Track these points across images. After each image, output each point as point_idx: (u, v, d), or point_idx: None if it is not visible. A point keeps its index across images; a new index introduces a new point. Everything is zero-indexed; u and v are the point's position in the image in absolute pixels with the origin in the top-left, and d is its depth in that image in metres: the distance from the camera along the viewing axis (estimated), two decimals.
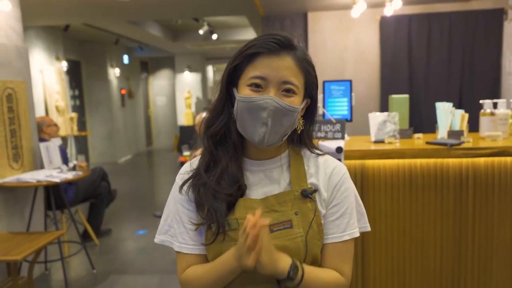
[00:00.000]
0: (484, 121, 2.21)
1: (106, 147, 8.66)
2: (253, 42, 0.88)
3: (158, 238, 0.98)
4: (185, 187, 0.94)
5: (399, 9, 3.63)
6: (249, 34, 8.13)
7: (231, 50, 10.73)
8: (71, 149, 6.99)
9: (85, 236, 3.83)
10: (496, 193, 2.10)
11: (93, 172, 3.81)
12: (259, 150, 0.93)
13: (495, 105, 2.24)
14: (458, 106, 4.09)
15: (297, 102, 0.89)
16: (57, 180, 2.96)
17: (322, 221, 0.93)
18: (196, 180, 0.92)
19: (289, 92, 0.88)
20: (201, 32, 7.38)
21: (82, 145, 7.93)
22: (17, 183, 2.90)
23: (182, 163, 4.30)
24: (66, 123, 6.38)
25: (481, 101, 2.25)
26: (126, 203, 5.30)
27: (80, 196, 3.70)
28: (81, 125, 7.98)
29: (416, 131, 2.44)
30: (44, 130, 3.55)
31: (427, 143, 2.14)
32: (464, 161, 2.10)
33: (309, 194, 0.91)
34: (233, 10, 5.69)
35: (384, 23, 4.18)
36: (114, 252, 3.74)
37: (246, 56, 0.88)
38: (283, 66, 0.87)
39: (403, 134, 2.35)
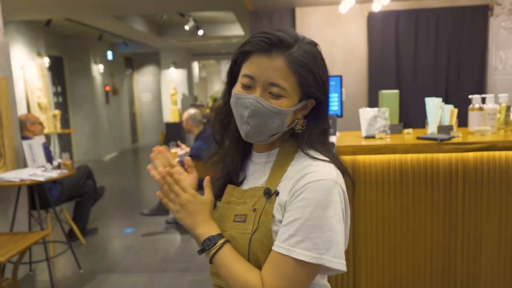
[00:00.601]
0: (473, 116, 2.23)
1: (90, 145, 8.51)
2: (249, 39, 0.88)
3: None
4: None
5: (386, 5, 3.64)
6: (236, 30, 8.07)
7: (217, 46, 10.66)
8: (55, 147, 6.85)
9: (70, 236, 3.75)
10: (485, 187, 2.13)
11: (78, 170, 3.73)
12: (256, 144, 0.96)
13: (483, 100, 2.26)
14: (444, 101, 4.14)
15: (285, 105, 0.86)
16: (41, 179, 2.88)
17: (275, 227, 0.85)
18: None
19: (275, 95, 0.86)
20: (187, 27, 7.29)
21: (65, 143, 7.77)
22: None
23: None
24: (49, 121, 6.24)
25: (470, 96, 2.27)
26: (112, 201, 5.22)
27: (65, 195, 3.62)
28: (65, 122, 7.82)
29: (405, 126, 2.45)
30: (28, 128, 3.46)
31: (418, 138, 2.15)
32: (454, 156, 2.12)
33: (266, 193, 0.87)
34: (221, 5, 5.63)
35: (372, 19, 4.19)
36: (101, 251, 3.67)
37: (241, 53, 0.89)
38: (271, 67, 0.84)
39: (393, 130, 2.36)
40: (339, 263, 0.80)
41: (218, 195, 0.97)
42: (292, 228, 0.81)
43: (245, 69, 0.88)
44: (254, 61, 0.86)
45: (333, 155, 0.89)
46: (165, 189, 0.90)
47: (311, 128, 0.90)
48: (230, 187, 0.96)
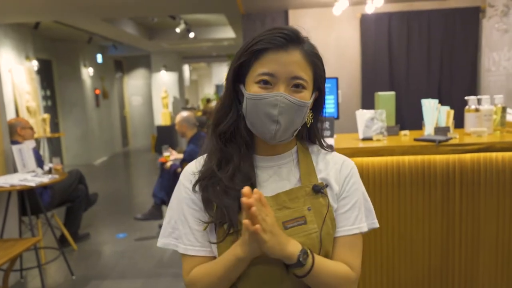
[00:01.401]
0: (469, 117, 2.23)
1: (80, 149, 8.40)
2: (260, 38, 0.86)
3: (160, 242, 0.95)
4: (191, 187, 0.92)
5: (379, 7, 3.66)
6: (228, 33, 8.04)
7: (208, 49, 10.63)
8: (44, 152, 6.74)
9: (62, 241, 3.67)
10: (482, 189, 2.13)
11: (70, 175, 3.67)
12: (268, 146, 0.92)
13: (479, 102, 2.27)
14: None
15: (307, 97, 0.88)
16: (32, 184, 2.82)
17: (334, 216, 0.92)
18: (209, 179, 0.90)
19: (298, 87, 0.86)
20: (178, 30, 7.26)
21: (55, 147, 7.66)
22: None
23: (162, 164, 4.20)
24: (38, 125, 6.14)
25: (466, 98, 2.27)
26: (104, 206, 5.14)
27: (56, 200, 3.55)
28: (54, 126, 7.71)
29: (400, 127, 2.45)
30: (18, 132, 3.39)
31: (415, 140, 2.15)
32: (451, 157, 2.12)
33: (320, 189, 0.90)
34: (212, 8, 5.60)
35: (365, 21, 4.21)
36: (93, 257, 3.61)
37: (252, 52, 0.86)
38: (291, 61, 0.85)
39: (390, 131, 2.35)
40: (377, 222, 0.99)
41: (238, 210, 0.87)
42: (356, 210, 0.93)
43: (261, 68, 0.85)
44: (270, 58, 0.85)
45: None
46: (257, 217, 0.78)
47: (316, 120, 0.96)
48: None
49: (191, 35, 7.73)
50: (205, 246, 0.90)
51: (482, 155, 2.10)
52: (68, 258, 3.30)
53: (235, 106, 0.91)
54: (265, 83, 0.85)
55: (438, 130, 2.21)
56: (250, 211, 0.76)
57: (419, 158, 2.13)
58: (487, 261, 2.18)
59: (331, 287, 0.88)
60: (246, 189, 0.77)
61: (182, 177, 0.95)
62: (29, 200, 3.05)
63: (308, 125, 0.94)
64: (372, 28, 4.20)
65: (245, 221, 0.76)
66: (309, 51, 0.89)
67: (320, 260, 0.86)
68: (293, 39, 0.86)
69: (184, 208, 0.92)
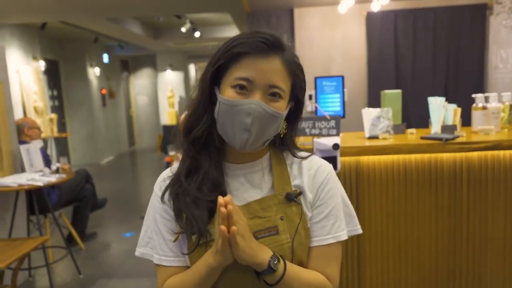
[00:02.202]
0: (476, 115, 2.22)
1: (87, 149, 8.45)
2: (239, 40, 0.82)
3: (138, 251, 0.93)
4: (166, 196, 0.89)
5: (385, 4, 3.64)
6: (233, 32, 8.05)
7: (213, 48, 10.60)
8: (52, 151, 6.79)
9: (69, 241, 3.70)
10: (489, 187, 2.11)
11: (77, 175, 3.69)
12: (239, 153, 0.87)
13: (486, 99, 2.25)
14: None
15: (282, 107, 0.84)
16: (40, 183, 2.84)
17: (309, 225, 0.88)
18: (176, 188, 0.86)
19: (275, 96, 0.82)
20: (183, 29, 7.27)
21: (62, 147, 7.71)
22: None
23: (168, 163, 4.22)
24: (45, 125, 6.18)
25: (473, 95, 2.25)
26: (111, 205, 5.16)
27: (64, 200, 3.58)
28: (61, 126, 7.76)
29: (406, 126, 2.43)
30: (25, 132, 3.41)
31: (422, 138, 2.13)
32: (458, 155, 2.10)
33: (294, 197, 0.86)
34: (218, 7, 5.61)
35: (370, 19, 4.19)
36: (100, 256, 3.63)
37: (231, 55, 0.82)
38: (270, 69, 0.81)
39: (396, 130, 2.34)
40: (359, 228, 0.94)
41: (207, 220, 0.84)
42: (332, 218, 0.88)
43: (238, 72, 0.81)
44: (249, 63, 0.81)
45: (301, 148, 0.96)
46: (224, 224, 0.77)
47: (290, 131, 0.91)
48: None
49: (197, 34, 7.73)
50: (179, 256, 0.88)
51: (489, 153, 2.08)
52: (76, 257, 3.33)
53: (209, 110, 0.86)
54: (241, 88, 0.81)
55: (445, 128, 2.19)
56: (227, 210, 0.74)
57: (425, 156, 2.12)
58: (495, 259, 2.16)
59: None
60: (221, 199, 0.75)
61: (155, 185, 0.93)
62: (37, 200, 3.07)
63: (282, 135, 0.90)
64: (378, 26, 4.18)
65: (222, 227, 0.74)
66: (290, 60, 0.85)
67: (293, 268, 0.83)
68: (275, 46, 0.82)
69: (157, 218, 0.89)
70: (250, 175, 0.89)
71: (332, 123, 2.10)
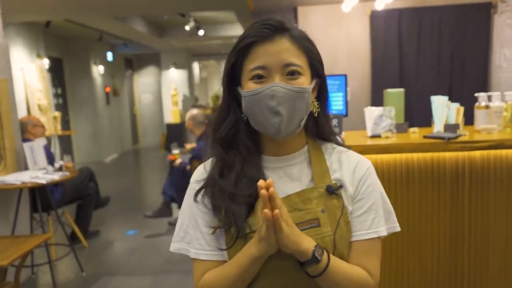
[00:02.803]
0: (479, 114, 2.20)
1: (91, 147, 8.49)
2: (244, 34, 0.84)
3: (173, 247, 0.93)
4: (199, 195, 0.89)
5: (389, 3, 3.62)
6: (237, 30, 8.04)
7: (218, 47, 10.64)
8: (55, 149, 6.83)
9: (73, 238, 3.72)
10: (491, 186, 2.10)
11: (80, 173, 3.71)
12: (277, 146, 0.89)
13: (489, 98, 2.23)
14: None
15: (305, 82, 0.84)
16: (43, 181, 2.86)
17: (350, 219, 0.88)
18: (211, 188, 0.87)
19: (294, 74, 0.83)
20: (187, 28, 7.27)
21: (66, 144, 7.75)
22: (0, 185, 2.78)
23: (171, 162, 4.23)
24: (49, 122, 6.22)
25: (476, 94, 2.24)
26: (114, 203, 5.18)
27: (67, 197, 3.60)
28: (65, 124, 7.80)
29: (409, 125, 2.43)
30: (29, 130, 3.43)
31: (425, 137, 2.13)
32: (461, 154, 2.09)
33: (334, 190, 0.86)
34: (222, 5, 5.61)
35: (375, 17, 4.17)
36: (103, 254, 3.65)
37: (240, 50, 0.83)
38: (281, 49, 0.82)
39: (399, 129, 2.33)
40: (398, 226, 0.93)
41: (247, 214, 0.85)
42: (372, 212, 0.88)
43: (251, 63, 0.83)
44: (258, 51, 0.82)
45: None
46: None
47: (323, 109, 0.91)
48: None
49: (201, 32, 7.74)
50: (216, 250, 0.87)
51: (492, 152, 2.07)
52: (79, 255, 3.35)
53: (233, 110, 0.88)
54: (259, 78, 0.82)
55: (448, 127, 2.18)
56: (269, 192, 0.74)
57: (428, 155, 2.11)
58: (497, 259, 2.15)
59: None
60: (261, 182, 0.75)
61: (192, 180, 0.93)
62: (40, 197, 3.09)
63: (316, 114, 0.89)
64: (382, 25, 4.16)
65: (265, 210, 0.74)
66: (298, 36, 0.85)
67: (336, 260, 0.83)
68: (279, 28, 0.83)
69: (195, 212, 0.89)
70: (289, 168, 0.89)
71: (335, 121, 2.10)
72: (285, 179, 0.88)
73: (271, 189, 0.74)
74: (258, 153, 0.90)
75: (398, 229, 0.93)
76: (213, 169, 0.89)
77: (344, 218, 0.85)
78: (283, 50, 0.82)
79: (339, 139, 0.96)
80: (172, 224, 4.21)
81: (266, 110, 0.81)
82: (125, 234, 4.11)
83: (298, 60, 0.83)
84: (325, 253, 0.81)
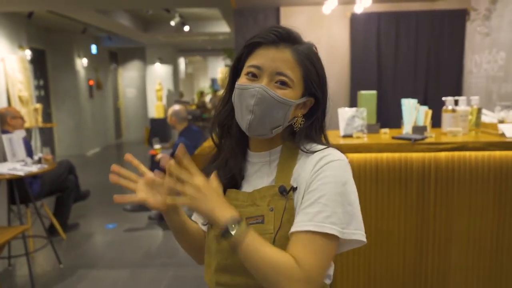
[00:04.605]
0: (446, 117, 2.31)
1: (73, 140, 8.42)
2: (256, 34, 0.91)
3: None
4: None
5: (368, 6, 3.71)
6: (222, 27, 8.07)
7: (203, 43, 10.64)
8: (36, 141, 6.76)
9: (51, 231, 3.73)
10: (455, 186, 2.21)
11: (60, 165, 3.71)
12: (256, 142, 0.95)
13: (456, 102, 2.35)
14: (423, 102, 4.23)
15: (290, 95, 0.87)
16: (21, 173, 2.87)
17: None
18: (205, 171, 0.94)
19: (283, 84, 0.87)
20: (172, 23, 7.27)
21: (47, 137, 7.67)
22: None
23: (153, 156, 4.26)
24: (30, 114, 6.16)
25: (443, 98, 2.35)
26: (95, 197, 5.18)
27: (46, 190, 3.60)
28: (47, 116, 7.71)
29: (383, 126, 2.51)
30: (8, 121, 3.43)
31: (393, 138, 2.22)
32: (427, 155, 2.19)
33: (283, 191, 0.87)
34: (206, 2, 5.63)
35: (355, 20, 4.26)
36: (82, 247, 3.67)
37: (247, 46, 0.91)
38: (279, 58, 0.87)
39: (371, 129, 2.42)
40: (361, 235, 0.84)
41: None
42: (319, 205, 0.82)
43: (251, 61, 0.89)
44: (261, 52, 0.88)
45: (331, 145, 0.93)
46: (171, 182, 0.79)
47: (308, 127, 0.92)
48: (232, 191, 0.93)
49: (186, 28, 7.75)
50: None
51: (456, 154, 2.18)
52: (57, 247, 3.36)
53: (231, 100, 0.94)
54: (252, 75, 0.88)
55: (416, 129, 2.28)
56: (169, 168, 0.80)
57: (396, 155, 2.21)
58: (459, 254, 2.27)
59: (268, 277, 0.78)
60: (114, 166, 0.92)
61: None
62: (18, 189, 3.09)
63: (297, 129, 0.91)
64: (361, 28, 4.26)
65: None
66: (302, 53, 0.89)
67: (256, 238, 0.78)
68: (285, 38, 0.88)
69: None
70: (262, 165, 0.94)
71: None
72: (257, 174, 0.94)
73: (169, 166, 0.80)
74: (245, 148, 0.97)
75: (363, 239, 0.84)
76: (211, 156, 1.01)
77: (289, 219, 0.84)
78: (281, 59, 0.87)
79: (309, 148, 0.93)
80: (152, 219, 4.25)
81: (244, 106, 0.88)
82: (104, 228, 4.13)
83: (292, 73, 0.87)
84: (243, 228, 0.77)
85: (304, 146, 0.90)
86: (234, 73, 0.94)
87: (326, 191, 0.83)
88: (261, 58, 0.88)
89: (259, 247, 0.78)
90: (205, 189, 0.79)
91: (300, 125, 0.91)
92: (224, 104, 0.96)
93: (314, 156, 0.88)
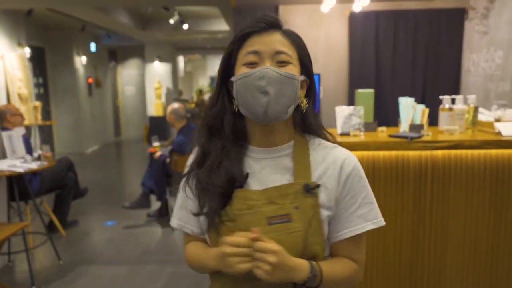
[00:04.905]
0: (442, 115, 2.33)
1: (72, 137, 8.43)
2: (243, 27, 0.91)
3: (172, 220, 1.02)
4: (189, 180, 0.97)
5: (367, 5, 3.73)
6: (221, 25, 8.08)
7: (203, 41, 10.63)
8: (35, 139, 6.77)
9: (51, 228, 3.75)
10: (452, 184, 2.23)
11: (59, 163, 3.73)
12: (264, 136, 0.92)
13: (453, 101, 2.36)
14: (421, 101, 4.25)
15: (294, 71, 0.88)
16: (20, 170, 2.88)
17: (324, 217, 0.90)
18: (191, 176, 0.95)
19: (283, 62, 0.88)
20: (171, 21, 7.28)
21: (46, 134, 7.68)
22: None
23: (151, 154, 4.27)
24: (29, 112, 6.17)
25: (440, 97, 2.36)
26: (94, 194, 5.20)
27: (45, 187, 3.62)
28: (46, 114, 7.72)
29: (382, 124, 2.53)
30: (8, 119, 3.44)
31: (390, 136, 2.24)
32: (424, 153, 2.21)
33: (311, 189, 0.87)
34: (205, 0, 5.64)
35: (353, 18, 4.28)
36: (81, 243, 3.69)
37: (237, 40, 0.90)
38: (274, 40, 0.89)
39: (368, 127, 2.44)
40: (383, 221, 0.95)
41: (222, 204, 0.89)
42: (367, 205, 0.92)
43: (246, 49, 0.88)
44: (254, 40, 0.88)
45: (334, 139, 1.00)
46: (255, 257, 0.81)
47: (311, 112, 0.95)
48: (242, 191, 0.89)
49: (185, 26, 7.75)
50: (195, 227, 0.98)
51: (452, 152, 2.20)
52: (56, 244, 3.38)
53: (221, 98, 0.93)
54: (252, 64, 0.87)
55: (413, 127, 2.30)
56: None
57: (393, 153, 2.23)
58: (455, 252, 2.29)
59: (340, 286, 0.92)
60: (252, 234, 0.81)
61: (187, 163, 1.01)
62: (18, 186, 3.11)
63: (304, 110, 0.93)
64: (360, 26, 4.28)
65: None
66: (290, 32, 0.92)
67: (328, 271, 0.87)
68: (274, 24, 0.90)
69: (185, 194, 0.98)
70: (273, 160, 0.92)
71: None
72: (267, 170, 0.91)
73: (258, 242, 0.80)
74: (244, 144, 0.93)
75: (383, 223, 0.95)
76: (195, 157, 0.95)
77: (315, 216, 0.87)
78: (275, 40, 0.88)
79: (327, 134, 0.98)
80: (151, 216, 4.27)
81: (255, 90, 0.85)
82: (103, 225, 4.15)
83: (289, 50, 0.89)
84: (318, 275, 0.85)
85: (313, 141, 0.95)
86: (224, 71, 0.92)
87: (366, 191, 0.93)
88: (256, 44, 0.88)
89: (331, 274, 0.88)
90: (282, 263, 0.80)
91: (306, 105, 0.93)
92: (212, 105, 0.94)
93: (334, 154, 0.92)
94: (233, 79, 0.89)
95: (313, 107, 0.96)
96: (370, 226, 0.92)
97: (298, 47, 0.91)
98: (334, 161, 0.91)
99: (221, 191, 0.88)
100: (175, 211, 1.01)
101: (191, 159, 0.99)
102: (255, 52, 0.87)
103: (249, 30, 0.89)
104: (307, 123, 0.94)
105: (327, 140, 0.97)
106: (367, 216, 0.91)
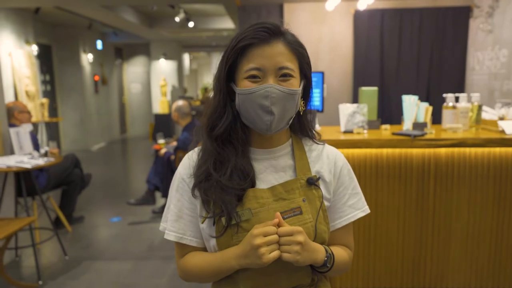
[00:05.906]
0: (446, 114, 2.33)
1: (78, 134, 8.50)
2: (243, 35, 0.89)
3: (161, 226, 1.00)
4: (188, 181, 0.96)
5: (372, 3, 3.73)
6: (227, 23, 8.09)
7: (208, 39, 10.65)
8: (42, 136, 6.84)
9: (57, 223, 3.79)
10: (455, 182, 2.24)
11: (66, 159, 3.77)
12: (264, 139, 0.96)
13: (457, 99, 2.37)
14: (426, 99, 4.25)
15: (295, 84, 0.91)
16: (28, 166, 2.92)
17: (327, 207, 0.98)
18: (205, 182, 0.92)
19: (286, 76, 0.89)
20: (177, 19, 7.30)
21: (53, 131, 7.75)
22: None
23: (156, 151, 4.31)
24: (36, 109, 6.23)
25: (444, 95, 2.37)
26: (100, 190, 5.26)
27: (52, 183, 3.66)
28: (53, 111, 7.79)
29: (386, 122, 2.55)
30: (15, 115, 3.48)
31: (393, 134, 2.25)
32: (427, 151, 2.22)
33: (314, 182, 0.95)
34: None
35: (358, 16, 4.28)
36: (87, 239, 3.73)
37: (237, 50, 0.89)
38: (276, 53, 0.89)
39: (371, 125, 2.45)
40: (368, 208, 1.05)
41: (236, 204, 0.91)
42: (355, 195, 1.02)
43: (248, 64, 0.88)
44: (255, 53, 0.88)
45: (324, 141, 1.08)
46: (281, 243, 0.86)
47: (306, 113, 0.99)
48: (252, 191, 0.92)
49: (191, 24, 7.77)
50: (196, 237, 0.96)
51: (456, 150, 2.20)
52: (62, 239, 3.42)
53: (229, 107, 0.93)
54: (254, 77, 0.88)
55: (416, 125, 2.31)
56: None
57: (396, 151, 2.24)
58: (458, 250, 2.29)
59: (340, 271, 1.00)
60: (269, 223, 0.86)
61: (180, 173, 0.99)
62: (25, 182, 3.15)
63: (301, 113, 0.96)
64: (365, 24, 4.27)
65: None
66: (292, 41, 0.91)
67: (337, 256, 0.96)
68: (275, 32, 0.89)
69: (181, 201, 0.96)
70: (274, 160, 0.96)
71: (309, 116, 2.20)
72: (270, 169, 0.96)
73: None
74: (247, 146, 0.96)
75: (368, 211, 1.05)
76: (205, 163, 0.93)
77: (322, 207, 0.95)
78: (278, 53, 0.88)
79: (316, 134, 1.03)
80: (156, 213, 4.31)
81: (259, 109, 0.88)
82: (109, 221, 4.19)
83: (291, 64, 0.90)
84: (331, 256, 0.94)
85: (306, 140, 1.02)
86: (226, 79, 0.92)
87: (354, 182, 1.03)
88: (258, 59, 0.88)
89: (338, 257, 0.97)
90: (306, 242, 0.87)
91: (303, 107, 0.97)
92: (220, 114, 0.93)
93: (326, 150, 1.02)
94: (236, 90, 0.91)
95: (308, 104, 0.99)
96: (360, 214, 1.01)
97: (300, 56, 0.92)
98: (327, 157, 1.00)
99: (240, 192, 0.90)
100: (170, 224, 0.97)
101: (187, 165, 0.98)
102: (258, 69, 0.88)
103: (249, 42, 0.88)
104: (302, 123, 1.00)
105: (314, 138, 1.03)
106: (356, 205, 1.01)
